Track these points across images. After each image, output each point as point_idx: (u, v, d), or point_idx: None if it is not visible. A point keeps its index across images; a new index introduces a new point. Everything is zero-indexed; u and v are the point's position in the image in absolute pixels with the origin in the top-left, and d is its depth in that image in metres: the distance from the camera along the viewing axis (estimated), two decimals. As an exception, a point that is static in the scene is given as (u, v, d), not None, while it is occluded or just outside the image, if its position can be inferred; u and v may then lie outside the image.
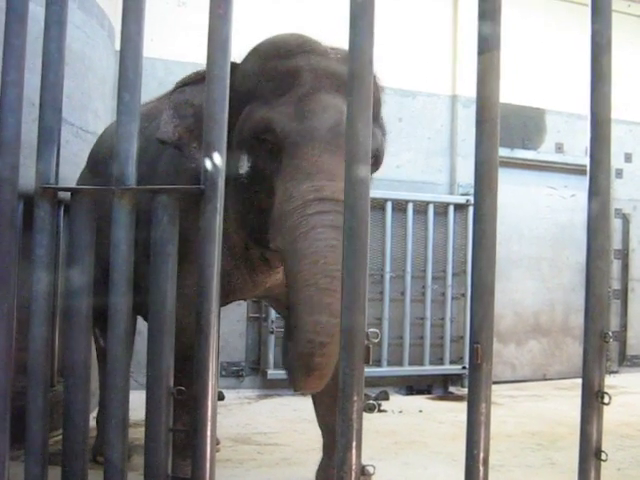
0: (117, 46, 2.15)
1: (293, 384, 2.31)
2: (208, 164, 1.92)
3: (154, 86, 5.62)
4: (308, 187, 2.22)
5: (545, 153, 7.26)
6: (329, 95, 2.39)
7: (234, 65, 2.52)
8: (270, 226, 2.35)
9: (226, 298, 2.85)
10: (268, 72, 2.45)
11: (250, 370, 6.04)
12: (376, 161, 2.55)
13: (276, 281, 2.94)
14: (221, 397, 5.38)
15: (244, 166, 2.43)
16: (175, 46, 5.75)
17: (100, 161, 3.46)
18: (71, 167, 3.95)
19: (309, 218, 2.18)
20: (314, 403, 3.15)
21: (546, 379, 7.09)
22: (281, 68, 2.43)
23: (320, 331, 2.07)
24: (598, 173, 1.95)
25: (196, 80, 2.57)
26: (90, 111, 4.39)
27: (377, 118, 2.60)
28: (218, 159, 1.92)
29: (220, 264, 1.93)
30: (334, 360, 2.09)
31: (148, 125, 3.01)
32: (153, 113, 3.06)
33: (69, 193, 2.10)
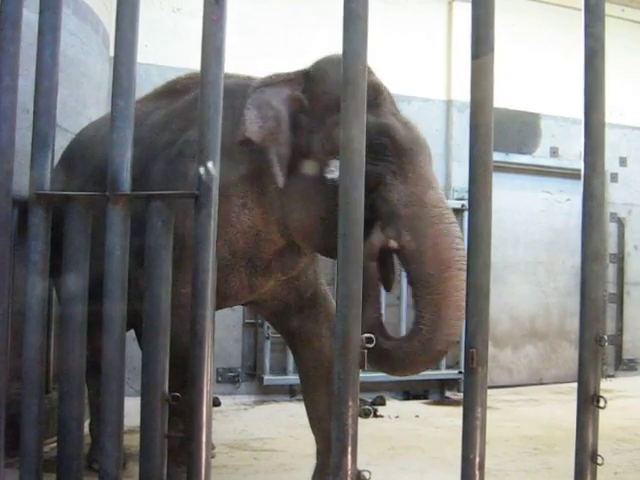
0: (112, 52, 2.15)
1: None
2: (202, 170, 1.91)
3: (149, 92, 5.63)
4: (434, 195, 2.44)
5: (540, 157, 7.27)
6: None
7: (308, 73, 2.63)
8: (393, 223, 2.42)
9: (222, 302, 2.85)
10: None
11: (246, 376, 6.03)
12: None
13: (269, 286, 2.94)
14: (217, 403, 5.37)
15: (334, 171, 2.41)
16: (170, 52, 5.75)
17: (77, 161, 3.41)
18: (66, 173, 3.94)
19: (449, 228, 2.38)
20: (307, 409, 3.15)
21: (542, 383, 7.09)
22: (369, 81, 2.49)
23: (456, 332, 2.33)
24: (592, 177, 1.95)
25: (276, 82, 2.59)
26: (85, 117, 4.38)
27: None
28: (212, 164, 1.92)
29: (215, 270, 1.93)
30: None
31: (138, 128, 3.01)
32: (139, 115, 3.05)
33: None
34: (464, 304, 2.11)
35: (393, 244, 2.44)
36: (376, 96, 2.54)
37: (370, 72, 2.52)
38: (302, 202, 2.55)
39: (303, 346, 3.09)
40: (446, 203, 2.48)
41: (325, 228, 2.49)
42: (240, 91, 2.67)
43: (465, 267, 2.14)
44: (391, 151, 2.49)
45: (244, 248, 2.72)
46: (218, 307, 3.02)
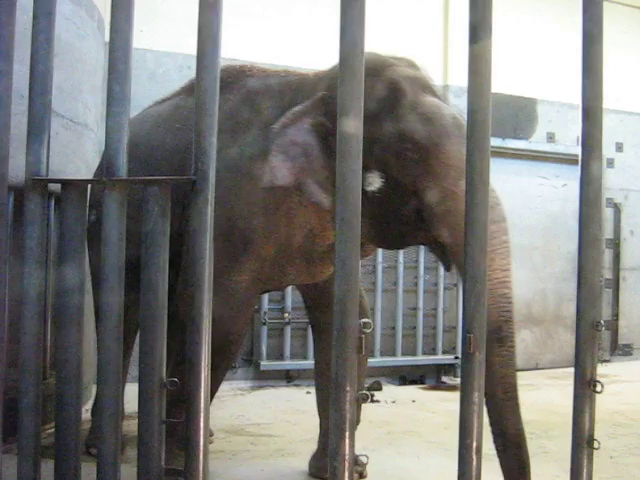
0: (107, 37, 2.14)
1: None
2: (199, 155, 1.91)
3: (144, 77, 5.62)
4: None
5: (537, 143, 7.26)
6: (429, 96, 2.61)
7: (324, 97, 2.66)
8: (433, 220, 2.49)
9: (278, 285, 3.18)
10: (368, 91, 2.56)
11: (243, 362, 6.04)
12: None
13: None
14: (214, 389, 5.38)
15: (374, 183, 2.55)
16: (165, 37, 5.72)
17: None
18: (61, 159, 3.93)
19: None
20: (317, 392, 3.25)
21: (538, 368, 7.10)
22: (379, 84, 2.60)
23: (501, 312, 2.26)
24: (590, 162, 1.95)
25: (295, 118, 2.64)
26: (80, 102, 4.37)
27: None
28: (209, 149, 1.91)
29: (212, 256, 1.92)
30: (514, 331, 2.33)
31: (182, 126, 3.04)
32: (184, 114, 3.07)
33: (59, 185, 2.09)
34: (506, 292, 2.28)
35: (441, 240, 2.51)
36: (394, 96, 2.58)
37: (380, 71, 2.63)
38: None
39: (323, 330, 3.23)
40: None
41: (376, 229, 2.65)
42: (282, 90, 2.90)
43: (506, 254, 2.31)
44: (417, 154, 2.52)
45: (300, 242, 2.87)
46: (275, 289, 3.54)
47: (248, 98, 2.98)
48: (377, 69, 2.62)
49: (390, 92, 2.59)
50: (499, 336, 2.23)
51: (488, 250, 2.26)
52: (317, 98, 2.67)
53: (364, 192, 2.54)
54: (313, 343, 3.47)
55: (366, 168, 2.52)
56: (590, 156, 1.94)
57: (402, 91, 2.59)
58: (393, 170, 2.55)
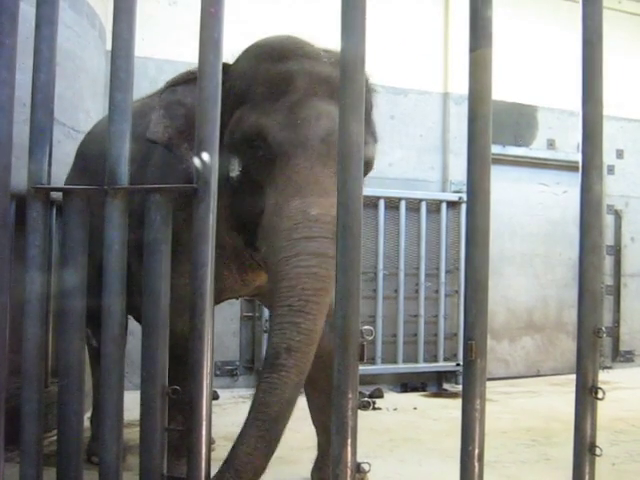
0: (108, 46, 2.15)
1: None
2: (200, 162, 1.91)
3: (145, 85, 5.60)
4: (298, 205, 2.19)
5: (537, 150, 7.27)
6: (323, 102, 2.35)
7: (226, 65, 2.52)
8: (259, 233, 2.33)
9: (217, 297, 2.86)
10: (261, 75, 2.41)
11: (244, 369, 6.04)
12: (366, 168, 2.52)
13: (265, 279, 2.94)
14: (215, 396, 5.38)
15: (235, 169, 2.39)
16: (166, 45, 5.74)
17: (91, 159, 3.43)
18: (63, 167, 3.93)
19: (295, 243, 2.15)
20: (308, 402, 3.17)
21: (540, 375, 7.10)
22: (274, 72, 2.39)
23: (284, 340, 2.07)
24: (590, 169, 1.95)
25: (187, 80, 2.53)
26: (82, 111, 4.38)
27: (369, 123, 2.53)
28: (210, 157, 1.91)
29: (214, 264, 1.93)
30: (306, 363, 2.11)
31: (139, 123, 3.02)
32: (144, 111, 3.06)
33: (61, 193, 2.09)
34: (298, 321, 2.06)
35: (260, 254, 2.36)
36: (281, 90, 2.35)
37: (283, 59, 2.40)
38: (221, 196, 2.50)
39: None
40: (320, 214, 2.17)
41: (235, 221, 2.48)
42: None
43: (313, 287, 2.08)
44: (267, 156, 2.32)
45: (231, 243, 2.68)
46: (217, 301, 3.08)
47: None
48: (283, 56, 2.41)
49: (280, 84, 2.35)
50: (274, 362, 2.05)
51: (289, 276, 2.09)
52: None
53: (228, 178, 2.37)
54: None
55: (229, 151, 2.37)
56: (590, 163, 1.94)
57: (292, 87, 2.34)
58: (248, 164, 2.37)
